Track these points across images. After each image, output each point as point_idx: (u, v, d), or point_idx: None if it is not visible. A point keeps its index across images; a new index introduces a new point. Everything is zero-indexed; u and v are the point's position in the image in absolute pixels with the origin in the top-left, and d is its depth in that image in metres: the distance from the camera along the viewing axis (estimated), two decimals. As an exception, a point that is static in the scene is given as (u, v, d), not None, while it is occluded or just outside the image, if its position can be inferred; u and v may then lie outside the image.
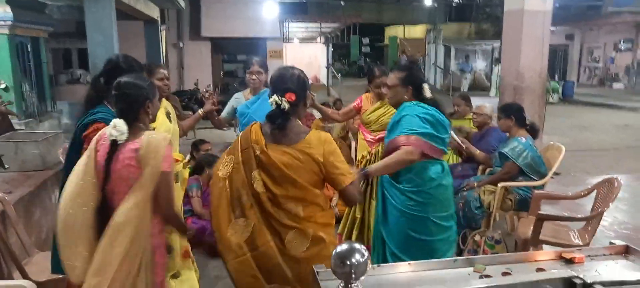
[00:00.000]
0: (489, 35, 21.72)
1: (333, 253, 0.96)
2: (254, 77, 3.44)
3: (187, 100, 11.80)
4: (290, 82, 1.99)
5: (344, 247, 0.96)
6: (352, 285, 0.93)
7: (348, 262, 0.93)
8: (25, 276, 2.47)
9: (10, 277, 2.52)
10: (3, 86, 7.45)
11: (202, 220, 3.90)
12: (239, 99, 3.55)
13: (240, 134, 2.08)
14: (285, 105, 1.92)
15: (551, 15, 5.89)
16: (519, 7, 5.76)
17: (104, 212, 1.89)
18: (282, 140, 1.96)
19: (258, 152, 1.95)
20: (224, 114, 3.59)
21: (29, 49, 8.51)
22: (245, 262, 1.96)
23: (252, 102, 3.42)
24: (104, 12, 5.95)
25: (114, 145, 1.89)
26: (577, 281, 1.02)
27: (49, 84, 9.47)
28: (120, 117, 1.89)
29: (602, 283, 1.00)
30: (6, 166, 3.47)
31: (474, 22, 22.45)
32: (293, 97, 1.93)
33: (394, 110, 2.83)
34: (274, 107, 1.93)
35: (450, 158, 4.52)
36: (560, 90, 16.18)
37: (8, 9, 7.17)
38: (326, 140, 1.99)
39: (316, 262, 1.63)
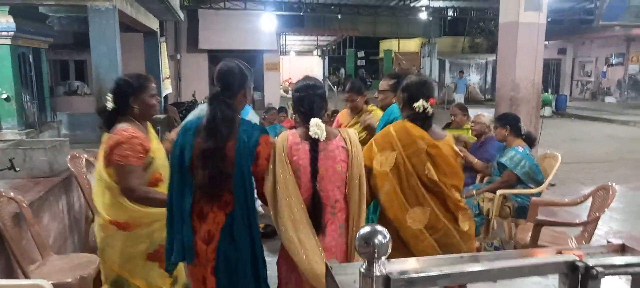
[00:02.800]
0: (483, 50, 22.06)
1: (357, 235, 1.05)
2: None
3: (184, 112, 11.86)
4: (432, 91, 2.42)
5: (367, 229, 1.05)
6: (375, 263, 1.02)
7: (371, 243, 1.03)
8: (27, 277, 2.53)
9: (27, 277, 2.57)
10: (5, 96, 7.48)
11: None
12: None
13: (395, 131, 2.34)
14: (430, 110, 2.32)
15: (545, 28, 6.04)
16: (514, 20, 5.91)
17: (317, 205, 2.08)
18: (435, 137, 2.33)
19: (426, 147, 2.28)
20: None
21: (31, 60, 8.56)
22: (429, 246, 2.25)
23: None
24: (108, 23, 6.03)
25: (316, 143, 2.08)
26: (580, 264, 1.10)
27: (49, 95, 9.50)
28: (312, 118, 2.09)
29: (603, 265, 1.08)
30: (17, 169, 3.52)
31: (467, 36, 22.78)
32: (433, 102, 2.35)
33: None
34: (421, 111, 2.31)
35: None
36: (553, 103, 16.39)
37: (11, 19, 7.23)
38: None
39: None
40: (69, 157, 3.80)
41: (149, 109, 2.44)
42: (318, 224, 2.07)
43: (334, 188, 2.10)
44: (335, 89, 19.42)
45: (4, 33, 7.34)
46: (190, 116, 3.00)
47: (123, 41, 6.84)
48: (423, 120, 2.33)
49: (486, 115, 4.65)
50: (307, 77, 2.28)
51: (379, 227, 1.01)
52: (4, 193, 2.75)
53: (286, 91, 17.14)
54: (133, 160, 2.27)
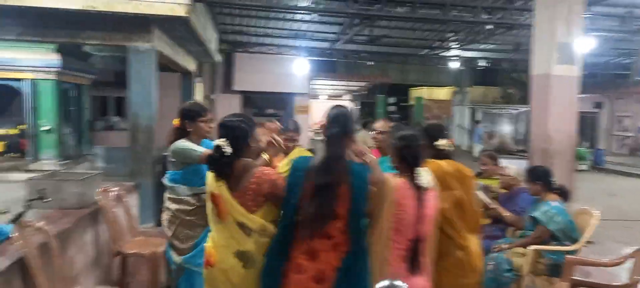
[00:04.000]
0: (515, 100, 21.77)
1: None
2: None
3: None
4: (448, 133, 2.82)
5: (385, 284, 1.02)
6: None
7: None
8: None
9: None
10: (46, 128, 7.81)
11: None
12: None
13: (447, 171, 2.69)
14: (450, 149, 2.77)
15: (579, 81, 5.93)
16: (546, 72, 5.84)
17: (418, 247, 2.30)
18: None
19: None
20: None
21: (73, 95, 8.96)
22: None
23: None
24: (146, 63, 6.28)
25: (422, 190, 2.29)
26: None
27: (87, 129, 9.87)
28: (416, 167, 2.32)
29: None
30: (48, 199, 3.62)
31: (500, 86, 22.59)
32: (452, 142, 2.79)
33: None
34: (445, 149, 2.75)
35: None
36: (590, 158, 15.91)
37: (57, 56, 7.63)
38: None
39: None
40: (99, 189, 3.88)
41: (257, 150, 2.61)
42: (416, 265, 2.30)
43: (428, 231, 2.36)
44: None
45: (50, 69, 7.74)
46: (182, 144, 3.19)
47: (161, 80, 7.11)
48: (447, 157, 2.70)
49: (512, 167, 4.53)
50: (406, 128, 2.52)
51: (398, 283, 0.98)
52: (31, 224, 2.81)
53: (316, 134, 17.27)
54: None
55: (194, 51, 9.16)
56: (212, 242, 2.40)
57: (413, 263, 2.27)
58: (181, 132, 3.12)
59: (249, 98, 16.06)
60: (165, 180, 3.23)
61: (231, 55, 14.78)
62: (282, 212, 2.29)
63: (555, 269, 3.71)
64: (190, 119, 3.13)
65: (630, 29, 9.85)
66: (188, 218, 3.08)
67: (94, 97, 12.83)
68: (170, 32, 7.15)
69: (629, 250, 3.41)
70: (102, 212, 3.84)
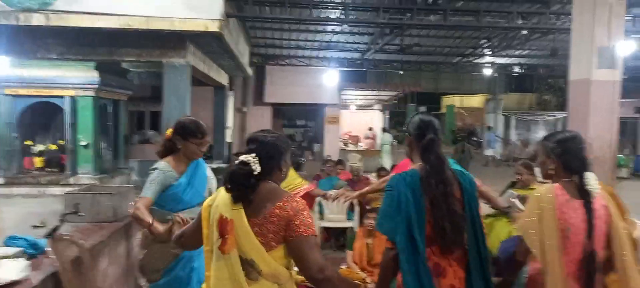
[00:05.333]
0: (551, 107, 21.12)
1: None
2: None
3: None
4: None
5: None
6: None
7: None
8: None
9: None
10: (84, 144, 8.10)
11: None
12: None
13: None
14: None
15: (620, 86, 5.68)
16: (585, 77, 5.62)
17: (591, 266, 2.02)
18: None
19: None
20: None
21: (110, 111, 9.27)
22: None
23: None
24: (181, 78, 6.45)
25: (590, 200, 2.04)
26: None
27: (124, 143, 10.17)
28: (584, 171, 2.10)
29: None
30: (83, 213, 3.71)
31: (535, 93, 21.99)
32: None
33: None
34: None
35: (512, 230, 4.32)
36: (631, 165, 15.22)
37: (96, 74, 7.93)
38: None
39: None
40: (131, 203, 3.96)
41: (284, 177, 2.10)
42: (590, 285, 2.02)
43: (601, 249, 2.05)
44: (395, 143, 19.25)
45: (89, 86, 8.04)
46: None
47: (194, 94, 7.27)
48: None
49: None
50: (567, 130, 2.39)
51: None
52: (66, 237, 2.88)
53: (346, 144, 17.21)
54: (314, 231, 1.87)
55: (226, 65, 9.34)
56: (212, 282, 1.92)
57: (587, 284, 2.02)
58: (170, 146, 2.85)
59: (279, 110, 16.20)
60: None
61: (262, 68, 14.99)
62: (405, 222, 2.00)
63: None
64: (183, 136, 2.80)
65: (674, 30, 9.40)
66: (159, 244, 2.67)
67: (131, 112, 13.25)
68: (203, 47, 7.32)
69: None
70: (134, 225, 3.91)
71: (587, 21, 5.63)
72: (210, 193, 2.73)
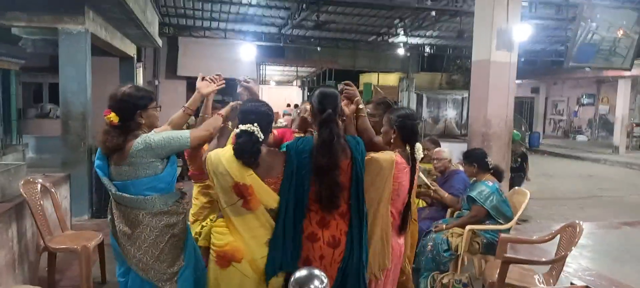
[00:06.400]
0: (459, 86, 22.46)
1: (291, 279, 0.96)
2: None
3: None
4: None
5: (303, 273, 0.96)
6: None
7: None
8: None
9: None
10: (-33, 117, 7.24)
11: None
12: None
13: None
14: None
15: (516, 67, 6.16)
16: (486, 58, 6.02)
17: (407, 213, 2.70)
18: None
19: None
20: None
21: (-2, 81, 8.35)
22: None
23: None
24: (79, 46, 5.92)
25: (415, 163, 2.68)
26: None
27: (17, 117, 9.23)
28: (416, 142, 2.70)
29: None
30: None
31: (445, 72, 23.24)
32: None
33: None
34: None
35: (418, 202, 4.57)
36: (526, 140, 16.72)
37: (-22, 39, 7.06)
38: None
39: None
40: (22, 182, 3.61)
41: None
42: (405, 227, 2.67)
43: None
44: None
45: (-30, 53, 7.15)
46: None
47: (97, 65, 6.72)
48: None
49: (446, 150, 4.67)
50: (405, 108, 2.79)
51: (317, 271, 0.93)
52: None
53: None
54: None
55: (132, 34, 8.73)
56: (239, 236, 2.25)
57: (403, 226, 2.64)
58: (124, 128, 2.37)
59: (194, 84, 15.57)
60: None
61: (175, 39, 14.28)
62: (288, 189, 2.29)
63: (490, 247, 3.86)
64: (144, 108, 2.43)
65: (565, 17, 10.34)
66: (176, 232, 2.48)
67: (26, 84, 12.04)
68: (105, 13, 6.76)
69: (556, 226, 3.58)
70: (27, 205, 3.58)
71: (487, 4, 6.01)
72: None
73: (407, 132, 2.66)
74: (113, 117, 2.33)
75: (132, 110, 2.37)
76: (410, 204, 2.72)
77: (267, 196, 2.25)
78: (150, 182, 2.37)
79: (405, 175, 2.59)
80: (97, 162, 2.47)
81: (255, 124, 2.20)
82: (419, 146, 2.63)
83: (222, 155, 2.21)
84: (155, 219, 2.40)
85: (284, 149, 2.38)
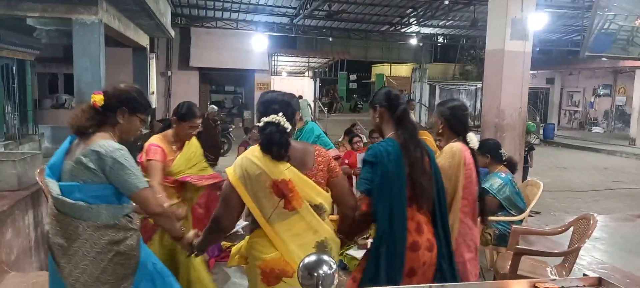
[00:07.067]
0: (473, 77, 22.25)
1: (300, 264, 0.97)
2: None
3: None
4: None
5: (312, 258, 0.97)
6: (320, 296, 0.94)
7: (315, 274, 0.94)
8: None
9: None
10: (-16, 107, 7.37)
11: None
12: None
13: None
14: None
15: (531, 57, 6.07)
16: (499, 48, 5.93)
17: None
18: None
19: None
20: None
21: (14, 71, 8.46)
22: None
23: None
24: (92, 37, 5.98)
25: (473, 152, 2.67)
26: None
27: (33, 107, 9.37)
28: (467, 133, 2.70)
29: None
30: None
31: (458, 63, 23.01)
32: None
33: None
34: None
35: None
36: (540, 132, 16.51)
37: (-6, 30, 7.17)
38: None
39: None
40: (38, 170, 3.67)
41: None
42: (482, 213, 2.70)
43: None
44: (325, 110, 19.42)
45: (-15, 43, 7.26)
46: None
47: (111, 56, 6.79)
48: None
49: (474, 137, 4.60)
50: (455, 99, 2.81)
51: (325, 257, 0.93)
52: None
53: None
54: None
55: (145, 24, 8.79)
56: (284, 246, 1.99)
57: (480, 212, 2.67)
58: (101, 116, 2.13)
59: (206, 75, 15.68)
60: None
61: (187, 30, 14.34)
62: (388, 196, 2.19)
63: (503, 239, 3.83)
64: (132, 110, 2.19)
65: (581, 5, 10.16)
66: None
67: (42, 74, 12.20)
68: (118, 4, 6.82)
69: (570, 219, 3.54)
70: (43, 194, 3.64)
71: (502, -7, 5.91)
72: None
73: (457, 123, 2.67)
74: (98, 99, 2.10)
75: (119, 104, 2.13)
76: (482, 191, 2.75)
77: (310, 189, 2.02)
78: (101, 190, 2.03)
79: (472, 162, 2.62)
80: (58, 150, 2.17)
81: (280, 113, 2.03)
82: (471, 135, 2.65)
83: (250, 155, 2.01)
84: (98, 233, 2.04)
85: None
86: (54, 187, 2.04)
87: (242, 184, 1.97)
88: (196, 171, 3.12)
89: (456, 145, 2.58)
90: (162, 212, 2.18)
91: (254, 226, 2.05)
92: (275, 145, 1.97)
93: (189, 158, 3.10)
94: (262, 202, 1.98)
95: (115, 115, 2.12)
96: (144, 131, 3.06)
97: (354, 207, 2.16)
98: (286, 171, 1.97)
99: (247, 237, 2.13)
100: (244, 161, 2.00)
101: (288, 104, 2.09)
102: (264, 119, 2.03)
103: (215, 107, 11.89)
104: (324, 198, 2.05)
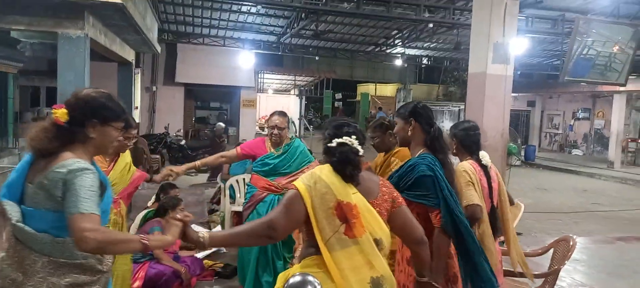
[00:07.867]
0: (456, 98, 22.62)
1: (285, 285, 0.97)
2: (275, 131, 3.68)
3: (155, 144, 11.67)
4: None
5: (297, 278, 0.98)
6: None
7: (300, 295, 0.95)
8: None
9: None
10: (-37, 119, 7.21)
11: (160, 265, 3.78)
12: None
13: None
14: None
15: (512, 80, 6.21)
16: (482, 71, 6.07)
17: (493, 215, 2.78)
18: None
19: None
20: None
21: (-5, 84, 8.34)
22: None
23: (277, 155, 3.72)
24: (78, 51, 5.93)
25: (486, 168, 2.79)
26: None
27: (14, 121, 9.22)
28: (479, 151, 2.88)
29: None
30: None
31: (442, 84, 23.40)
32: None
33: None
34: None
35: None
36: (522, 153, 16.76)
37: (-23, 42, 7.07)
38: None
39: None
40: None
41: None
42: (495, 231, 2.78)
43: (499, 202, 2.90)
44: (310, 128, 19.47)
45: (-32, 55, 7.15)
46: None
47: (96, 70, 6.72)
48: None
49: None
50: (467, 121, 3.01)
51: (310, 277, 0.94)
52: None
53: (262, 128, 17.11)
54: None
55: (131, 40, 8.76)
56: (340, 278, 1.79)
57: (494, 230, 2.75)
58: (67, 133, 1.79)
59: (191, 90, 15.63)
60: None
61: (174, 46, 14.33)
62: (453, 212, 2.29)
63: (485, 260, 3.86)
64: (102, 120, 1.85)
65: (561, 31, 10.44)
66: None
67: (24, 87, 12.03)
68: (105, 19, 6.79)
69: (550, 240, 3.60)
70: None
71: (484, 17, 6.07)
72: None
73: (469, 143, 2.82)
74: (61, 114, 1.77)
75: (86, 117, 1.81)
76: (495, 209, 2.83)
77: (374, 221, 1.89)
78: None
79: (483, 178, 2.73)
80: (17, 167, 1.83)
81: (353, 136, 1.96)
82: (483, 154, 2.80)
83: (320, 172, 1.91)
84: (59, 272, 1.71)
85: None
86: (13, 211, 1.73)
87: (309, 196, 1.85)
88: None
89: (465, 164, 2.73)
90: (96, 247, 1.63)
91: (306, 252, 1.89)
92: (350, 165, 1.90)
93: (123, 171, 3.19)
94: (323, 223, 1.83)
95: (85, 129, 1.81)
96: (129, 145, 3.06)
97: (420, 241, 1.99)
98: (353, 195, 1.88)
99: (296, 265, 1.93)
100: (314, 175, 1.91)
101: (361, 131, 2.03)
102: (337, 141, 1.95)
103: (222, 124, 11.90)
104: (384, 234, 1.91)
